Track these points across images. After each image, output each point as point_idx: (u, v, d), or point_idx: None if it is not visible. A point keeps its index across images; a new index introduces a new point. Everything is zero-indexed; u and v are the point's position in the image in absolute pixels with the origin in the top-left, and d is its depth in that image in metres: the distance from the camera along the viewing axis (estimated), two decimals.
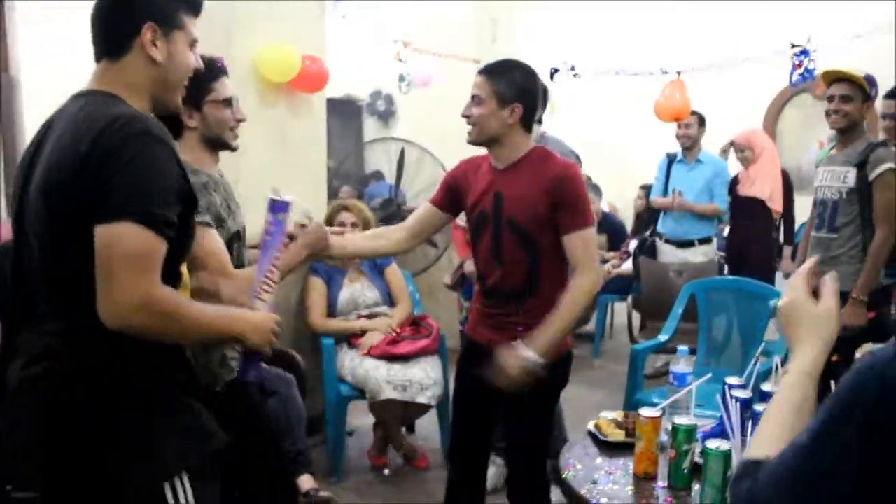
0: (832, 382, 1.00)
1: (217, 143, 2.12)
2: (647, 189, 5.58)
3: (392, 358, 3.48)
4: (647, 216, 5.33)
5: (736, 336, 3.84)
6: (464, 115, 2.26)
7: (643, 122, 5.72)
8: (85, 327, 1.40)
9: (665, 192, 4.93)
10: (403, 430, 3.77)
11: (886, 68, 4.49)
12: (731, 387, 2.06)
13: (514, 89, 2.22)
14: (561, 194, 2.19)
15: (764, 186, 4.54)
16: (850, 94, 3.20)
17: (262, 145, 3.66)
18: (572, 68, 5.09)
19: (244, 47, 3.55)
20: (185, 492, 1.47)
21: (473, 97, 2.24)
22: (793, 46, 4.44)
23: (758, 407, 1.91)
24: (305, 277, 3.79)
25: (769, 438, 1.01)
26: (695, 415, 2.07)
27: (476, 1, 5.50)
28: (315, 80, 3.82)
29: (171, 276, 1.47)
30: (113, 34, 1.51)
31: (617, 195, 6.99)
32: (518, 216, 2.23)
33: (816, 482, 0.86)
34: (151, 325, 1.39)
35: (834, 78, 3.27)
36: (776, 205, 4.53)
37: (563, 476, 1.94)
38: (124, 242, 1.35)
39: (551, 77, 5.08)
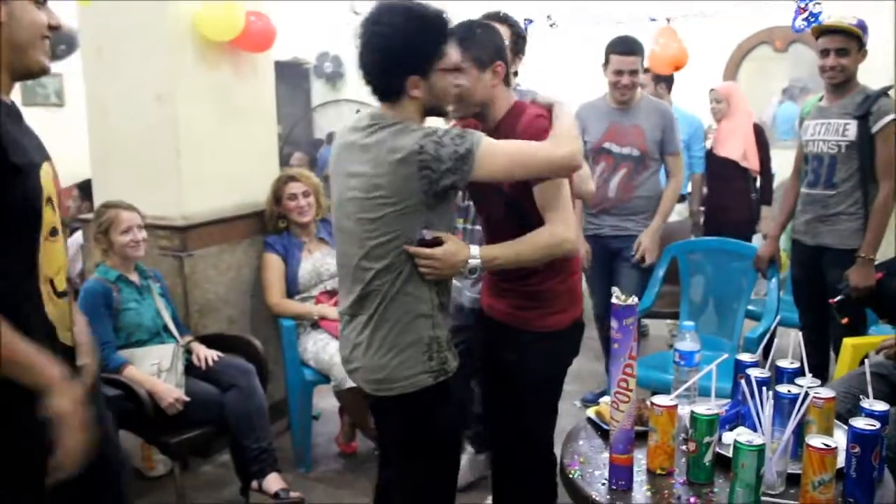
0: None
1: (433, 112, 1.91)
2: None
3: None
4: None
5: (714, 298, 3.70)
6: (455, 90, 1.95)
7: None
8: None
9: None
10: None
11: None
12: (744, 365, 1.87)
13: (490, 49, 2.00)
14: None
15: (736, 146, 4.31)
16: (846, 46, 3.03)
17: (204, 113, 3.32)
18: (549, 17, 4.77)
19: (180, 3, 3.19)
20: None
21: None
22: None
23: (780, 388, 1.72)
24: (261, 254, 3.50)
25: None
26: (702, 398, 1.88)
27: None
28: (261, 39, 3.45)
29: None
30: None
31: None
32: (501, 183, 1.99)
33: None
34: None
35: (825, 30, 3.09)
36: (751, 164, 4.35)
37: (569, 475, 1.73)
38: None
39: (525, 28, 4.77)
